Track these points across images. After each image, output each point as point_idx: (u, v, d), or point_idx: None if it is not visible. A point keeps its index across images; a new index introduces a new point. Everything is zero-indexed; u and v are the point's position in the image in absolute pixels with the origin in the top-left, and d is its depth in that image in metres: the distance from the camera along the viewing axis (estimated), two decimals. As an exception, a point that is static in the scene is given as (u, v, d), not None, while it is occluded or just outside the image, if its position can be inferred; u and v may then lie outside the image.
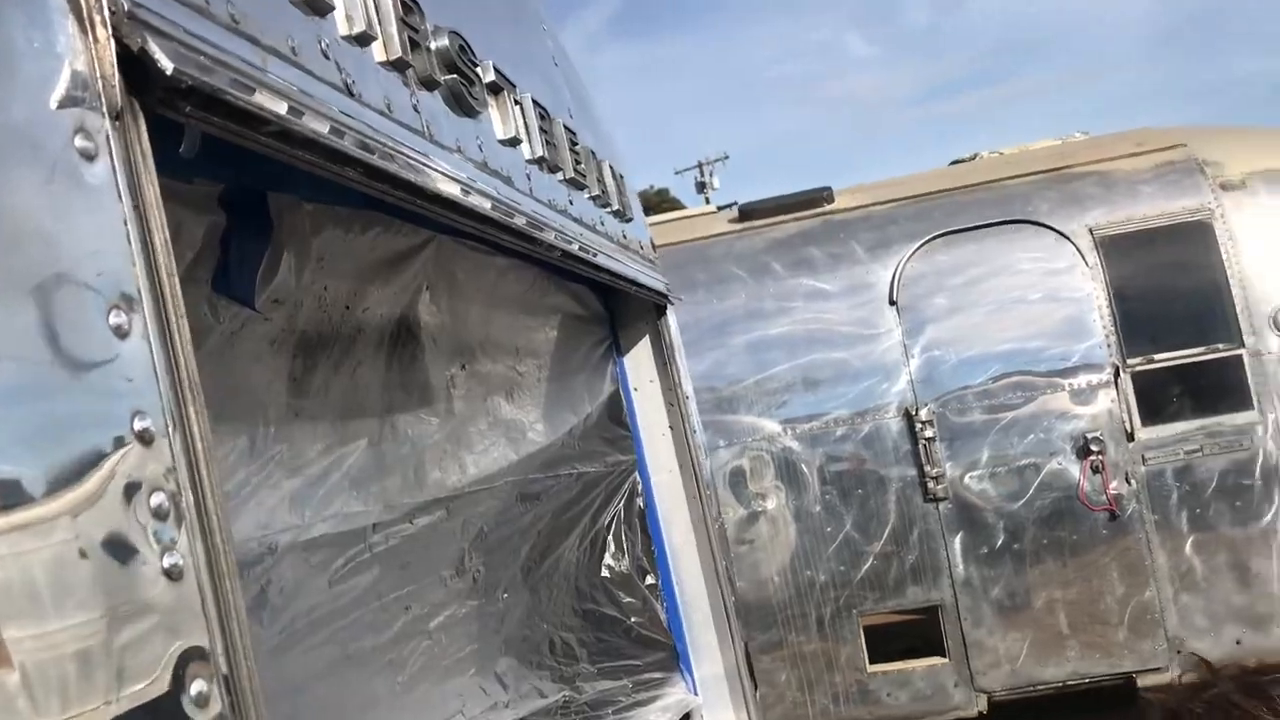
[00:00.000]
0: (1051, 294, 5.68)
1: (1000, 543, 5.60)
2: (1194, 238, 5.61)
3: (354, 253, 1.21)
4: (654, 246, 2.20)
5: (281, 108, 0.91)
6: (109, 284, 0.82)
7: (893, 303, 5.73)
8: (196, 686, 0.81)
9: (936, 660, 5.66)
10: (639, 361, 2.12)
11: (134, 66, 0.85)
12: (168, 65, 0.85)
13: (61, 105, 0.81)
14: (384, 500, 1.32)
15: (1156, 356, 5.52)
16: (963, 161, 6.64)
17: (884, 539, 5.67)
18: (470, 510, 1.59)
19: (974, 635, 5.59)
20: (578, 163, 1.60)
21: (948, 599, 5.60)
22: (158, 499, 0.81)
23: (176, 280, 0.85)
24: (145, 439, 0.81)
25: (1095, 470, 5.52)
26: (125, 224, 0.84)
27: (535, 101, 1.44)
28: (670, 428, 2.06)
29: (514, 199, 1.29)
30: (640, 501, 2.06)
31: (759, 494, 5.77)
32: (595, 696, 1.82)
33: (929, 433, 5.62)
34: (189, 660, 0.81)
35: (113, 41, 0.83)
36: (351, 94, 0.98)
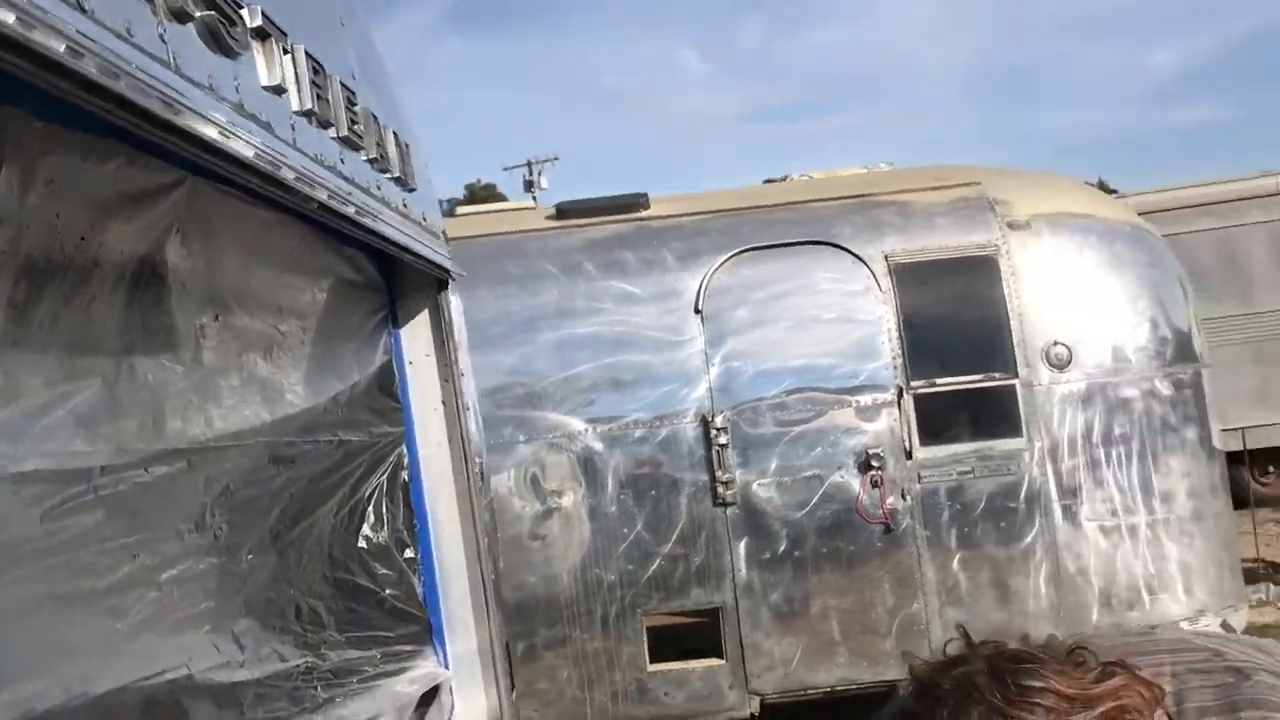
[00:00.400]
0: (846, 315, 5.94)
1: (782, 549, 5.81)
2: (980, 271, 5.97)
3: (92, 182, 1.17)
4: (442, 221, 2.20)
5: (10, 17, 0.88)
6: None
7: (698, 312, 5.89)
8: None
9: (714, 661, 5.82)
10: (416, 335, 2.12)
11: None
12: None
13: None
14: (116, 443, 1.28)
15: (938, 381, 5.85)
16: (775, 181, 6.87)
17: (673, 541, 5.80)
18: (215, 466, 1.56)
19: (751, 638, 5.78)
20: (354, 123, 1.60)
21: (729, 602, 5.77)
22: None
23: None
24: None
25: (874, 485, 5.80)
26: None
27: (309, 54, 1.43)
28: (443, 403, 2.07)
29: (278, 149, 1.28)
30: (405, 475, 2.06)
31: (555, 491, 5.82)
32: (340, 665, 1.80)
33: (723, 439, 5.78)
34: None
35: None
36: (84, 10, 0.95)
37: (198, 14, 1.13)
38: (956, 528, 5.82)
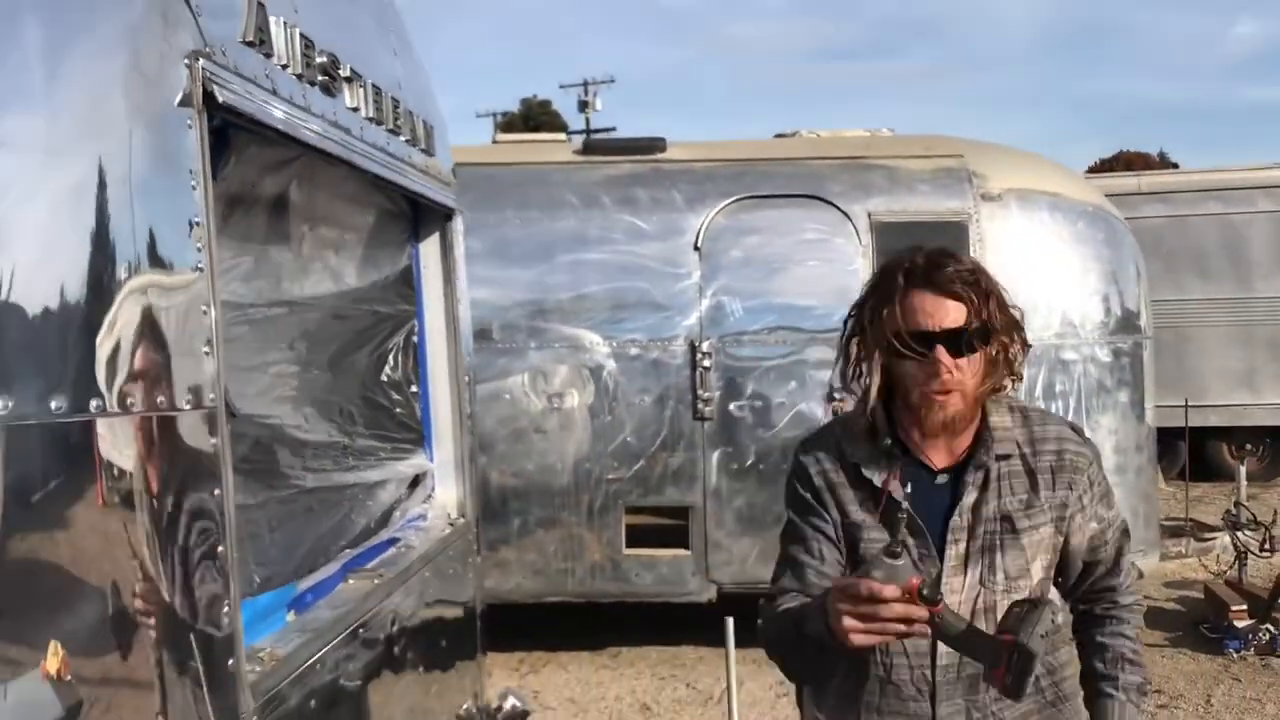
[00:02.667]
0: (828, 263, 7.03)
1: (749, 463, 6.97)
2: (951, 235, 7.01)
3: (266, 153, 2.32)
4: (454, 173, 3.36)
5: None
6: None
7: (696, 249, 6.99)
8: None
9: (681, 552, 7.02)
10: (429, 249, 3.28)
11: None
12: None
13: None
14: (257, 293, 2.46)
15: (901, 329, 6.94)
16: (785, 136, 7.92)
17: (656, 446, 6.95)
18: (302, 314, 2.72)
19: (715, 535, 6.97)
20: (396, 119, 2.75)
21: (699, 502, 6.96)
22: None
23: None
24: None
25: (834, 414, 6.92)
26: None
27: (374, 84, 2.57)
28: (444, 295, 3.24)
29: (351, 143, 2.43)
30: (415, 338, 3.24)
31: (558, 393, 6.99)
32: (364, 447, 2.99)
33: (706, 363, 6.93)
34: None
35: None
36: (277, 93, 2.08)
37: (318, 78, 2.25)
38: (903, 458, 6.95)
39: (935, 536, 2.08)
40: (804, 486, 2.19)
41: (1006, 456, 2.12)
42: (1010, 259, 6.96)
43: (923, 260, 2.08)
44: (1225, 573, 7.79)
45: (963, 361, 2.04)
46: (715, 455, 6.98)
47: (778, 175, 7.16)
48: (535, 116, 43.29)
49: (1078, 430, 2.25)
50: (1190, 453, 11.01)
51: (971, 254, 6.94)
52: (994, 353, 2.08)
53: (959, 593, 2.07)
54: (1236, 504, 8.06)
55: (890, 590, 1.72)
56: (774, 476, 6.95)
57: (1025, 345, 2.14)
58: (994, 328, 2.05)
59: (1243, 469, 9.01)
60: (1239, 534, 7.62)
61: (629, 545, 7.03)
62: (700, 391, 6.93)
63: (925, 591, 1.74)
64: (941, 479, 2.13)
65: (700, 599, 7.02)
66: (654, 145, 7.35)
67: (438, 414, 3.22)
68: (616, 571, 7.01)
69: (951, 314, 2.03)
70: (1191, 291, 11.47)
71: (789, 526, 2.23)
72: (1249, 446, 12.01)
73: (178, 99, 1.77)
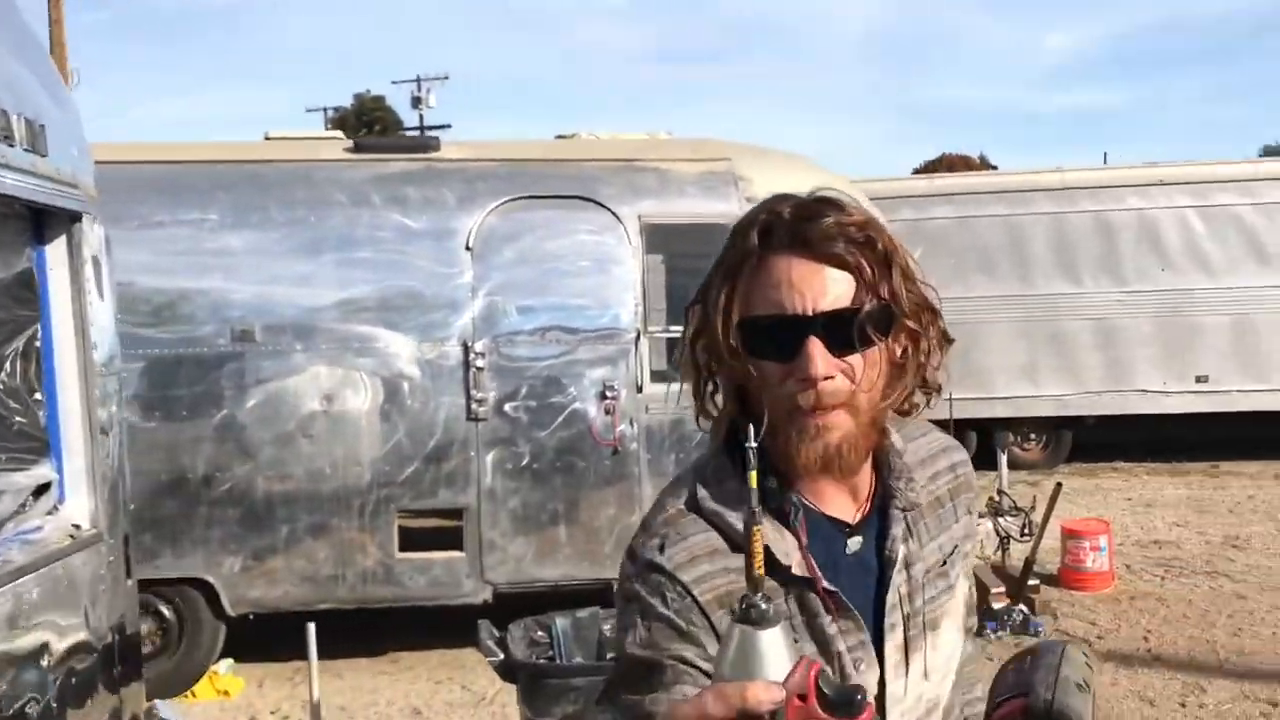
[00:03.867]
0: (600, 265, 6.99)
1: (524, 463, 6.89)
2: (718, 237, 6.92)
3: None
4: (78, 176, 3.16)
5: None
6: None
7: (468, 249, 6.83)
8: None
9: (455, 553, 6.89)
10: (55, 250, 3.06)
11: None
12: None
13: None
14: None
15: (671, 328, 6.90)
16: (565, 137, 7.82)
17: (429, 448, 6.78)
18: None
19: (489, 536, 6.85)
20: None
21: (473, 503, 6.82)
22: None
23: None
24: None
25: (608, 413, 6.87)
26: None
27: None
28: (72, 298, 3.02)
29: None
30: (39, 344, 3.02)
31: (326, 396, 6.76)
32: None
33: (480, 363, 6.81)
34: None
35: None
36: None
37: None
38: (674, 453, 6.92)
39: (868, 627, 1.42)
40: (665, 600, 1.35)
41: (913, 494, 1.49)
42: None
43: (789, 210, 1.41)
44: (990, 558, 7.99)
45: (854, 360, 1.35)
46: (490, 456, 6.86)
47: (551, 176, 7.09)
48: (368, 112, 42.51)
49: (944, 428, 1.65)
50: (979, 444, 11.37)
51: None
52: (900, 350, 1.40)
53: (902, 701, 1.44)
54: (999, 491, 8.31)
55: (763, 694, 0.97)
56: (548, 476, 6.86)
57: (945, 339, 1.45)
58: (899, 309, 1.37)
59: (1004, 457, 9.35)
60: (1000, 520, 7.84)
61: (402, 549, 6.87)
62: (474, 392, 6.81)
63: (832, 694, 0.98)
64: (855, 542, 1.44)
65: (475, 600, 6.91)
66: (427, 144, 7.18)
67: (67, 423, 3.01)
68: (389, 576, 6.83)
69: (832, 288, 1.35)
70: (977, 289, 11.84)
71: (633, 669, 1.34)
72: (1032, 436, 12.48)
73: None
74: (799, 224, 1.39)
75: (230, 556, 6.69)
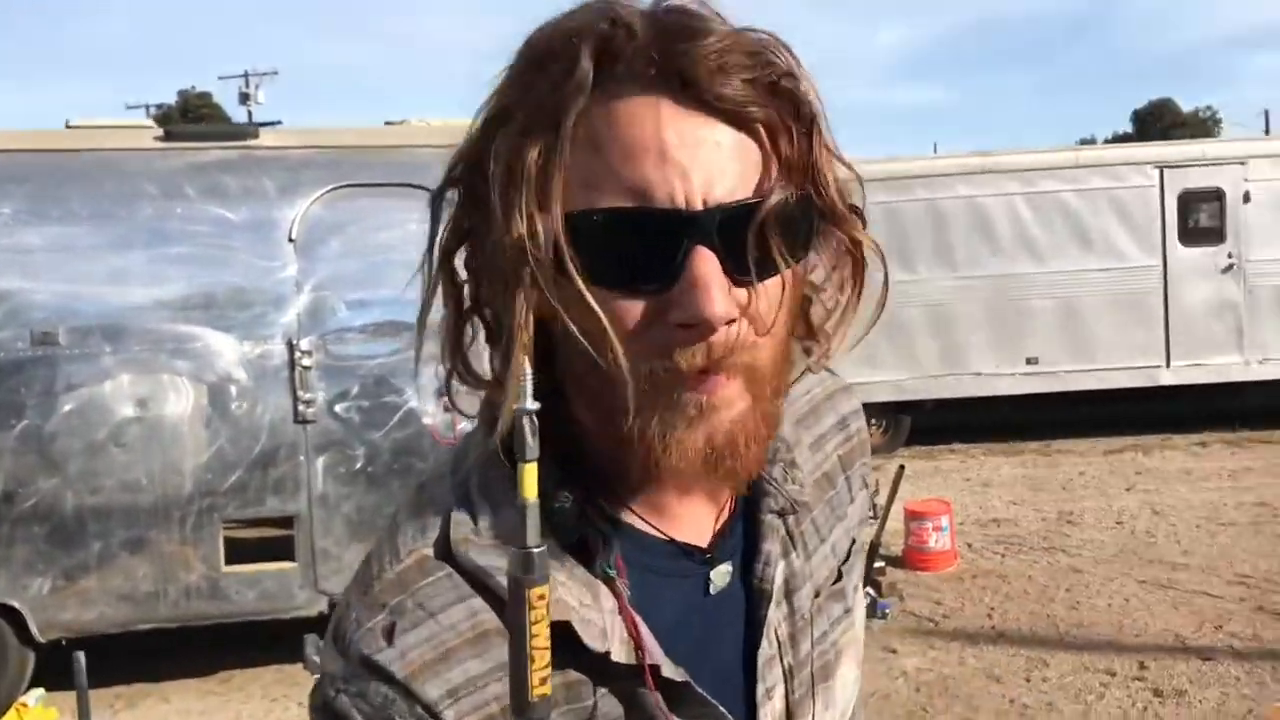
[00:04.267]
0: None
1: (358, 466, 6.53)
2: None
3: None
4: None
5: None
6: None
7: (291, 241, 6.42)
8: None
9: (287, 564, 6.49)
10: None
11: None
12: None
13: None
14: None
15: (509, 320, 6.64)
16: (394, 124, 7.46)
17: (254, 453, 6.38)
18: None
19: (322, 544, 6.47)
20: None
21: (304, 511, 6.43)
22: None
23: None
24: None
25: (447, 410, 6.54)
26: None
27: None
28: None
29: None
30: None
31: (140, 401, 6.28)
32: None
33: (307, 362, 6.43)
34: None
35: None
36: None
37: None
38: (516, 451, 6.65)
39: (727, 693, 0.90)
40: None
41: (796, 487, 0.99)
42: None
43: (647, 21, 0.79)
44: (837, 543, 7.99)
45: (762, 290, 0.82)
46: (320, 460, 6.49)
47: (378, 164, 6.75)
48: (193, 109, 40.81)
49: (829, 370, 1.10)
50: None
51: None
52: (819, 276, 0.92)
53: None
54: (845, 477, 8.29)
55: None
56: (385, 479, 6.54)
57: (859, 276, 0.95)
58: (827, 208, 0.85)
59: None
60: (846, 505, 7.84)
61: (229, 562, 6.42)
62: (301, 393, 6.42)
63: None
64: (721, 573, 0.93)
65: (310, 613, 6.54)
66: (244, 131, 6.73)
67: None
68: (215, 591, 6.39)
69: (729, 164, 0.78)
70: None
71: None
72: (873, 421, 12.64)
73: None
74: (671, 43, 0.77)
75: (37, 578, 6.15)
